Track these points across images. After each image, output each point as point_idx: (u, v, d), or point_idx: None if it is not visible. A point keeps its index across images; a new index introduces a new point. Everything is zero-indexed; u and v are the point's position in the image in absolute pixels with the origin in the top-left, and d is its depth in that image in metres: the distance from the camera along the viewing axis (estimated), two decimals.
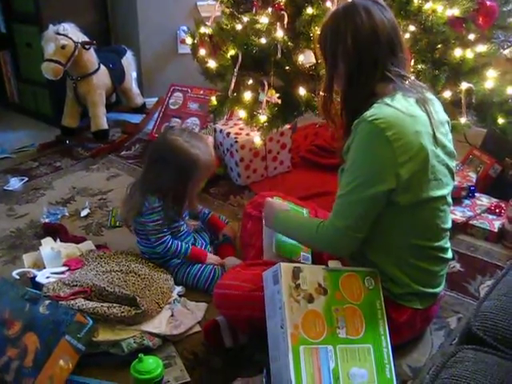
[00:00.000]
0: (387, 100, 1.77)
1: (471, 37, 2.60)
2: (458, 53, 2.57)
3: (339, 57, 1.84)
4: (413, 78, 1.94)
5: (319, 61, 2.68)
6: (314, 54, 2.67)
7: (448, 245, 2.00)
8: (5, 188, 3.39)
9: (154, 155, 2.46)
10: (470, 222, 2.85)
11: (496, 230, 2.79)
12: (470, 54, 2.57)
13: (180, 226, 2.54)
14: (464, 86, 2.59)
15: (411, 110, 1.77)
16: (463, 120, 2.61)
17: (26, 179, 3.49)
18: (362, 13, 1.78)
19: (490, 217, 2.90)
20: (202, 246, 2.58)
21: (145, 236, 2.47)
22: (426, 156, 1.75)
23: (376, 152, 1.73)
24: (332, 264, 1.91)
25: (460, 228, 2.81)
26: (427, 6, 2.54)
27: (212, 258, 2.50)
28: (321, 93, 2.01)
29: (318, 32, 1.95)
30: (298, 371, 1.70)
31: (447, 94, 2.60)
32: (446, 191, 1.87)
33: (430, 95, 1.91)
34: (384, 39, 1.79)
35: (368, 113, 1.74)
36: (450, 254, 2.01)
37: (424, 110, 1.81)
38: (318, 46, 1.96)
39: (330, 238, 1.86)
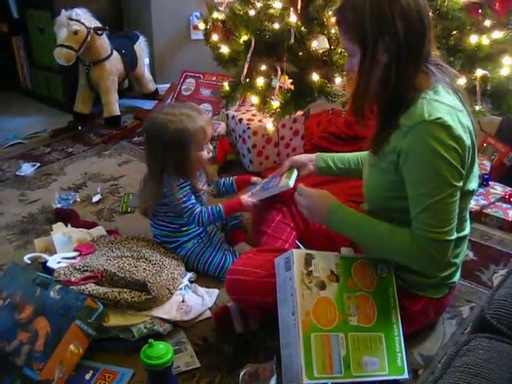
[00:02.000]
0: (432, 95, 1.70)
1: (487, 23, 2.56)
2: (473, 39, 2.53)
3: (381, 46, 1.66)
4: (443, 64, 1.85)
5: (333, 47, 2.66)
6: (328, 39, 2.64)
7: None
8: (17, 173, 3.40)
9: (145, 140, 2.44)
10: (484, 211, 2.83)
11: (510, 219, 2.76)
12: (485, 40, 2.53)
13: (200, 197, 2.50)
14: (479, 72, 2.55)
15: (457, 105, 1.72)
16: (478, 107, 2.58)
17: (38, 165, 3.50)
18: None
19: (504, 205, 2.87)
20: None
21: (161, 218, 2.46)
22: (474, 150, 1.73)
23: (449, 151, 1.64)
24: (345, 251, 1.89)
25: (474, 217, 2.78)
26: None
27: (247, 201, 2.40)
28: (351, 87, 1.84)
29: (346, 16, 1.71)
30: (308, 358, 1.69)
31: (462, 81, 2.56)
32: (477, 184, 1.85)
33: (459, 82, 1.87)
34: (428, 24, 1.69)
35: (422, 112, 1.65)
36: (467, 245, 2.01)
37: (462, 102, 1.77)
38: (344, 32, 1.74)
39: (430, 249, 1.70)
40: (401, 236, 1.75)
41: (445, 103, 1.68)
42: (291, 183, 2.21)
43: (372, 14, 1.63)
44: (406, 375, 1.83)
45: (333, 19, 1.87)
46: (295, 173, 2.30)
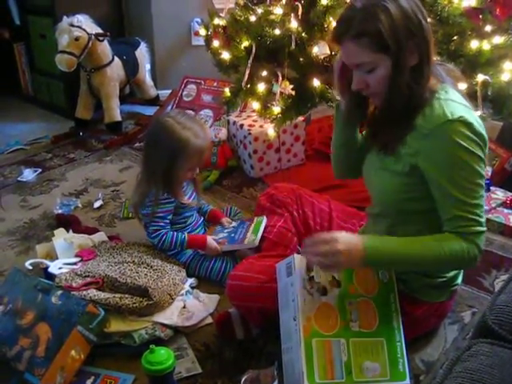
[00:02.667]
0: (445, 95, 1.70)
1: (488, 28, 2.56)
2: (474, 44, 2.54)
3: (410, 49, 1.64)
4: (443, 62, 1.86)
5: (333, 52, 2.66)
6: (329, 45, 2.64)
7: None
8: (19, 179, 3.40)
9: (147, 137, 2.46)
10: (486, 216, 2.82)
11: (511, 224, 2.76)
12: (486, 45, 2.53)
13: (187, 218, 2.51)
14: (480, 78, 2.55)
15: (467, 103, 1.73)
16: (479, 113, 2.58)
17: (40, 170, 3.50)
18: None
19: (506, 211, 2.87)
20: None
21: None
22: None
23: (476, 147, 1.64)
24: None
25: None
26: None
27: (212, 244, 2.40)
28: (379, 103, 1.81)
29: (368, 28, 1.61)
30: (310, 363, 1.69)
31: (463, 87, 2.56)
32: None
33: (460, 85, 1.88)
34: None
35: (444, 112, 1.64)
36: None
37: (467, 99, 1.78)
38: (366, 45, 1.64)
39: (478, 242, 1.69)
40: (451, 242, 1.69)
41: (459, 102, 1.69)
42: (257, 241, 2.26)
43: (401, 16, 1.60)
44: (407, 381, 1.81)
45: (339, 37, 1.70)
46: (263, 225, 2.33)
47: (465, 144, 1.63)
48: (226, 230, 2.51)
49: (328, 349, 1.74)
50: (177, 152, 2.29)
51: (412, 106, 1.72)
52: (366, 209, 2.10)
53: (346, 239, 1.67)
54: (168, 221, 2.42)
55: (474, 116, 1.68)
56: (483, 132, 1.67)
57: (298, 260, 1.79)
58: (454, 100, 1.69)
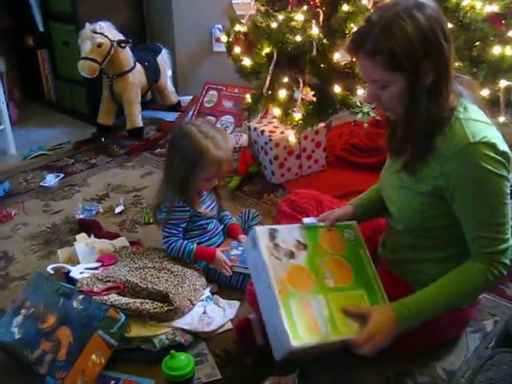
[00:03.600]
0: (464, 113, 1.68)
1: (511, 33, 2.54)
2: (496, 50, 2.52)
3: (425, 68, 1.61)
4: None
5: (354, 59, 2.65)
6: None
7: None
8: (41, 184, 3.43)
9: (169, 142, 2.47)
10: None
11: None
12: (509, 51, 2.51)
13: (204, 226, 2.50)
14: (503, 83, 2.54)
15: (487, 119, 1.72)
16: (501, 119, 2.57)
17: (62, 176, 3.53)
18: (432, 7, 1.61)
19: None
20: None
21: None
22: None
23: (501, 168, 1.64)
24: (307, 220, 1.90)
25: None
26: (465, 3, 2.50)
27: (220, 258, 2.39)
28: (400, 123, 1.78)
29: (384, 47, 1.59)
30: (291, 322, 1.65)
31: (485, 93, 2.55)
32: None
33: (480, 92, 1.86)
34: (450, 35, 1.67)
35: (465, 134, 1.63)
36: None
37: (486, 113, 1.76)
38: (380, 63, 1.62)
39: (504, 260, 1.71)
40: (472, 274, 1.72)
41: (480, 120, 1.68)
42: None
43: (418, 37, 1.58)
44: None
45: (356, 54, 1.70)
46: None
47: (489, 167, 1.62)
48: (240, 248, 2.48)
49: (307, 306, 1.71)
50: (195, 160, 2.29)
51: (431, 127, 1.70)
52: (387, 220, 2.08)
53: (378, 327, 1.69)
54: (181, 229, 2.43)
55: (495, 133, 1.67)
56: (506, 149, 1.66)
57: (260, 230, 1.80)
58: (475, 119, 1.67)
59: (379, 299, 1.82)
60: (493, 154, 1.62)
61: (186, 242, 2.41)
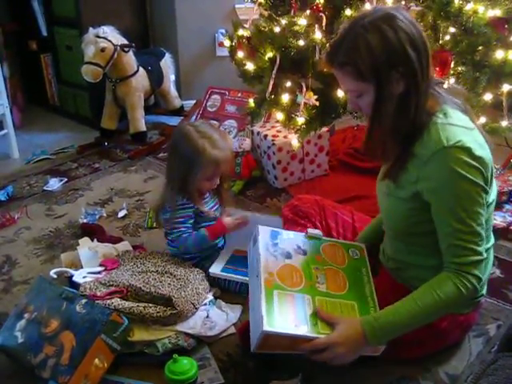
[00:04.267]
0: (443, 118, 1.70)
1: None
2: (499, 54, 2.51)
3: (395, 77, 1.64)
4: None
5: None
6: None
7: None
8: (44, 188, 3.44)
9: (169, 143, 2.50)
10: (511, 228, 2.80)
11: None
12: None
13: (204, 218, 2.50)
14: (506, 88, 2.53)
15: (468, 124, 1.73)
16: (504, 123, 2.56)
17: (65, 180, 3.55)
18: (401, 18, 1.64)
19: None
20: None
21: (170, 236, 2.47)
22: (492, 164, 1.72)
23: (474, 173, 1.64)
24: (312, 231, 1.90)
25: (500, 233, 2.75)
26: (468, 7, 2.49)
27: (228, 221, 2.46)
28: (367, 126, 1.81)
29: (351, 58, 1.65)
30: (269, 308, 1.66)
31: (488, 97, 2.55)
32: (495, 194, 1.84)
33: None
34: (428, 45, 1.70)
35: (440, 138, 1.64)
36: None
37: (471, 118, 1.77)
38: (350, 74, 1.68)
39: (476, 273, 1.69)
40: (443, 286, 1.69)
41: (458, 125, 1.68)
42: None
43: (382, 48, 1.62)
44: None
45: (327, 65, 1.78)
46: None
47: (463, 172, 1.62)
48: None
49: (291, 301, 1.72)
50: (192, 160, 2.31)
51: (409, 133, 1.72)
52: (384, 227, 2.09)
53: (341, 338, 1.68)
54: (190, 225, 2.43)
55: (472, 138, 1.67)
56: (483, 154, 1.66)
57: (263, 229, 1.82)
58: (452, 123, 1.68)
59: (371, 314, 1.79)
60: (467, 159, 1.62)
61: (194, 232, 2.42)
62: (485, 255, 1.71)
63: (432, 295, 1.69)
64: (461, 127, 1.68)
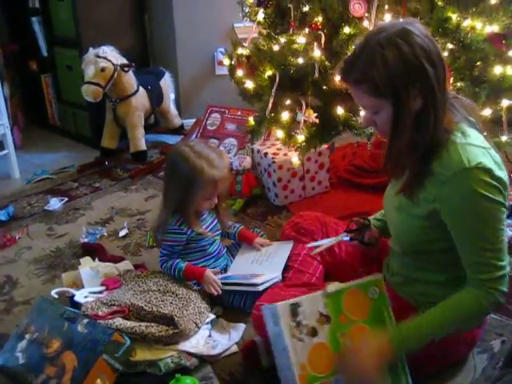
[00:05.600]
0: (461, 137, 1.68)
1: (511, 53, 2.56)
2: (498, 70, 2.53)
3: (413, 94, 1.62)
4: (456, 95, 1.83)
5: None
6: None
7: None
8: (45, 208, 3.43)
9: (165, 164, 2.49)
10: None
11: None
12: (510, 70, 2.52)
13: (208, 246, 2.49)
14: (505, 103, 2.55)
15: (486, 144, 1.71)
16: (504, 138, 2.57)
17: (66, 199, 3.54)
18: (417, 33, 1.63)
19: None
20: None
21: None
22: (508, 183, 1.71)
23: (496, 193, 1.63)
24: (330, 287, 1.84)
25: None
26: (466, 23, 2.50)
27: (209, 277, 2.36)
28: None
29: (368, 75, 1.63)
30: None
31: (487, 112, 2.56)
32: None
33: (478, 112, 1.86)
34: (443, 58, 1.68)
35: (461, 159, 1.62)
36: None
37: (485, 137, 1.76)
38: (366, 91, 1.66)
39: (501, 286, 1.69)
40: (466, 300, 1.71)
41: (477, 145, 1.67)
42: (261, 288, 2.23)
43: (399, 64, 1.59)
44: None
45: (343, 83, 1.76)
46: (287, 253, 2.37)
47: (484, 192, 1.61)
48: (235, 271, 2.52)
49: None
50: (190, 181, 2.29)
51: (423, 150, 1.70)
52: (390, 244, 2.08)
53: (372, 355, 1.68)
54: (177, 250, 2.43)
55: (491, 159, 1.66)
56: (503, 175, 1.66)
57: (282, 308, 1.75)
58: (472, 144, 1.67)
59: (399, 366, 1.80)
60: (488, 179, 1.61)
61: (177, 260, 2.40)
62: (508, 269, 1.70)
63: (453, 309, 1.72)
64: (480, 147, 1.67)
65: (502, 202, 1.65)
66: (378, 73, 1.61)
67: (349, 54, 1.75)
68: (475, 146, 1.67)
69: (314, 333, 1.76)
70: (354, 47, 1.72)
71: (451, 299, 1.73)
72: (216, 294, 2.34)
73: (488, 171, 1.62)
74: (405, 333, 1.73)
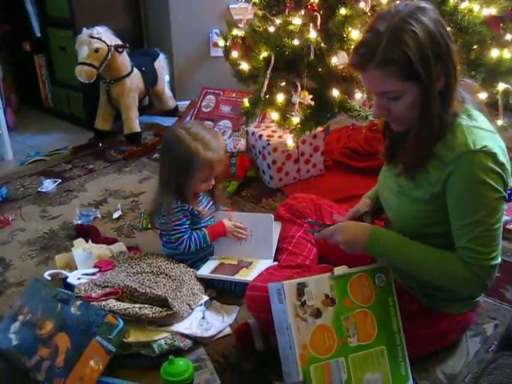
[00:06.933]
0: (467, 120, 1.66)
1: (509, 37, 2.55)
2: (494, 53, 2.52)
3: (437, 73, 1.58)
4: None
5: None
6: (348, 54, 2.63)
7: None
8: (38, 190, 3.42)
9: (161, 147, 2.49)
10: (507, 227, 2.79)
11: None
12: (507, 54, 2.52)
13: (206, 226, 2.50)
14: (501, 87, 2.54)
15: (491, 128, 1.69)
16: (500, 122, 2.56)
17: (60, 181, 3.53)
18: (433, 11, 1.59)
19: None
20: None
21: (167, 238, 2.46)
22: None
23: (496, 179, 1.61)
24: (338, 270, 1.83)
25: None
26: (463, 6, 2.49)
27: (229, 225, 2.47)
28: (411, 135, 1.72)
29: (395, 55, 1.54)
30: None
31: (483, 96, 2.55)
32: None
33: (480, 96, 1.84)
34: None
35: (466, 141, 1.60)
36: None
37: (490, 120, 1.74)
38: (392, 73, 1.58)
39: (482, 275, 1.68)
40: (452, 263, 1.70)
41: (484, 129, 1.65)
42: (250, 278, 2.20)
43: (428, 41, 1.54)
44: (410, 382, 1.83)
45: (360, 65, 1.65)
46: (277, 233, 2.40)
47: (486, 178, 1.60)
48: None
49: (327, 372, 1.73)
50: (187, 164, 2.29)
51: (434, 132, 1.66)
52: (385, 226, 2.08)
53: (347, 228, 1.86)
54: (187, 226, 2.42)
55: (496, 143, 1.64)
56: (505, 161, 1.63)
57: (288, 286, 1.74)
58: (478, 127, 1.65)
59: (399, 355, 1.83)
60: (491, 165, 1.60)
61: (194, 232, 2.42)
62: (499, 260, 1.69)
63: (438, 256, 1.73)
64: (486, 131, 1.65)
65: (501, 190, 1.63)
66: (410, 50, 1.53)
67: (363, 36, 1.65)
68: (482, 129, 1.65)
69: (318, 314, 1.76)
70: (372, 28, 1.61)
71: (444, 252, 1.73)
72: (245, 238, 2.48)
73: (492, 155, 1.59)
74: (384, 242, 1.80)
